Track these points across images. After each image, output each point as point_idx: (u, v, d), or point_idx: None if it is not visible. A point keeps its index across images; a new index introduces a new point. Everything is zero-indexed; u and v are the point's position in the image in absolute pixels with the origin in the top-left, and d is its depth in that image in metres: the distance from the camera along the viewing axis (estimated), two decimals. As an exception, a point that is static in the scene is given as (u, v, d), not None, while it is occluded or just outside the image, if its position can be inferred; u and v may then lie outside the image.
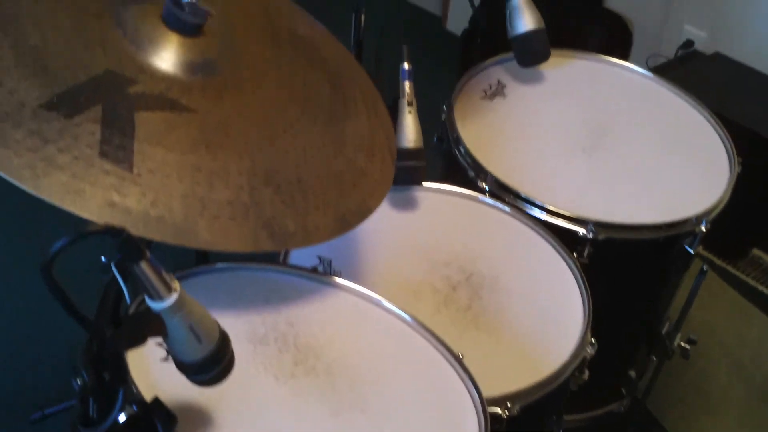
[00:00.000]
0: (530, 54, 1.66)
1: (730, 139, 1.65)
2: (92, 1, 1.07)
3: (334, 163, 1.12)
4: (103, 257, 0.85)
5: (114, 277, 0.79)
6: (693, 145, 1.65)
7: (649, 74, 1.79)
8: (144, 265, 0.74)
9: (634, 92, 1.75)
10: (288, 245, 1.14)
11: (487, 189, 1.48)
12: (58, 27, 1.02)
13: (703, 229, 1.48)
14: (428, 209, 1.44)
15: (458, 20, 3.20)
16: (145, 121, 0.98)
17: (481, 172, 1.50)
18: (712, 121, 1.69)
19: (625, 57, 2.78)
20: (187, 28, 1.05)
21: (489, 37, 1.87)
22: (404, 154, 1.38)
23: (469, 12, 2.64)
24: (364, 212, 1.11)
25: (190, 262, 1.23)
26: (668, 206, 1.49)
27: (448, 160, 1.60)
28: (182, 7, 1.04)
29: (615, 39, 2.77)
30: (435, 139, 1.65)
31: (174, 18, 1.04)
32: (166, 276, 0.76)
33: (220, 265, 1.15)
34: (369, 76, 1.35)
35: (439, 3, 3.36)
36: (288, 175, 1.06)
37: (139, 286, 0.77)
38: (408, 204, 1.44)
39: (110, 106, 0.96)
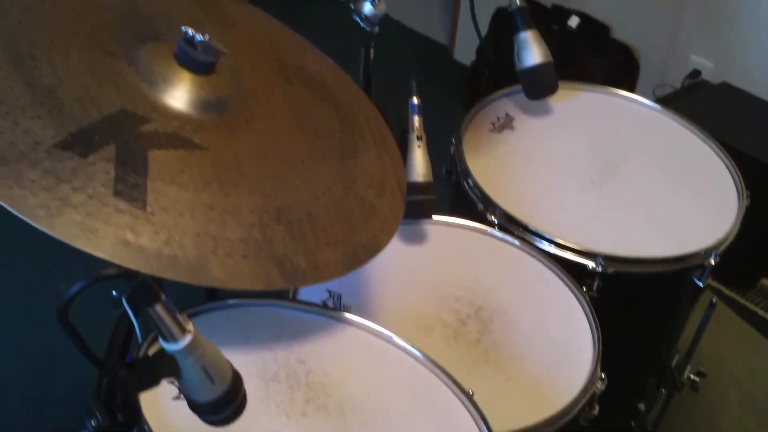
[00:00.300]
0: (538, 87, 1.67)
1: (738, 172, 1.65)
2: (106, 40, 1.08)
3: (344, 200, 1.13)
4: (114, 292, 0.86)
5: (125, 311, 0.80)
6: (701, 177, 1.65)
7: (657, 106, 1.80)
8: (159, 308, 0.75)
9: (641, 124, 1.76)
10: (299, 282, 1.15)
11: (496, 222, 1.49)
12: (73, 66, 1.03)
13: (713, 262, 1.48)
14: (437, 242, 1.45)
15: (465, 50, 3.22)
16: (159, 159, 0.98)
17: (490, 205, 1.50)
18: (720, 153, 1.70)
19: (632, 87, 2.80)
20: (199, 66, 1.06)
21: (496, 68, 1.88)
22: (414, 188, 1.39)
23: (476, 42, 2.67)
24: (374, 248, 1.11)
25: (198, 295, 1.23)
26: (677, 239, 1.50)
27: (457, 193, 1.61)
28: (195, 45, 1.04)
29: (622, 69, 2.78)
30: (443, 172, 1.66)
31: (187, 56, 1.05)
32: (180, 317, 0.76)
33: (231, 301, 1.15)
34: (378, 109, 1.36)
35: (447, 32, 3.38)
36: (299, 211, 1.06)
37: (151, 325, 0.78)
38: (417, 237, 1.45)
39: (124, 145, 0.97)
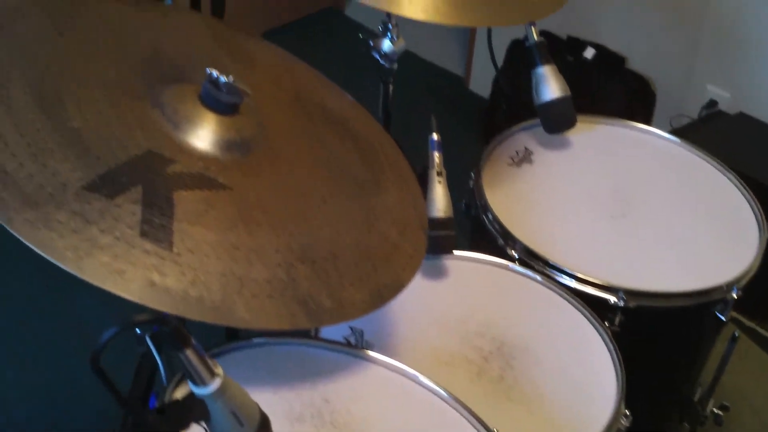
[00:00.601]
0: (557, 121, 1.68)
1: (759, 204, 1.65)
2: (131, 82, 1.10)
3: (367, 238, 1.13)
4: (138, 329, 0.86)
5: (149, 349, 0.80)
6: (721, 209, 1.65)
7: (675, 139, 1.80)
8: (189, 353, 0.75)
9: (660, 157, 1.76)
10: (324, 322, 1.15)
11: (517, 256, 1.49)
12: (99, 108, 1.04)
13: (735, 296, 1.48)
14: (458, 278, 1.45)
15: (481, 81, 3.23)
16: (184, 200, 0.99)
17: (510, 240, 1.51)
18: (739, 185, 1.70)
19: (648, 117, 2.80)
20: (224, 107, 1.07)
21: (513, 101, 1.89)
22: (434, 223, 1.40)
23: (491, 73, 2.68)
24: (397, 286, 1.11)
25: (218, 332, 1.23)
26: (698, 272, 1.49)
27: (477, 227, 1.61)
28: (219, 87, 1.06)
29: (638, 100, 2.79)
30: (463, 206, 1.66)
31: (211, 98, 1.06)
32: (210, 361, 0.77)
33: (256, 340, 1.16)
34: (397, 145, 1.37)
35: (463, 63, 3.40)
36: (323, 250, 1.07)
37: (181, 369, 0.78)
38: (438, 273, 1.45)
39: (150, 186, 0.98)
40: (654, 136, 1.82)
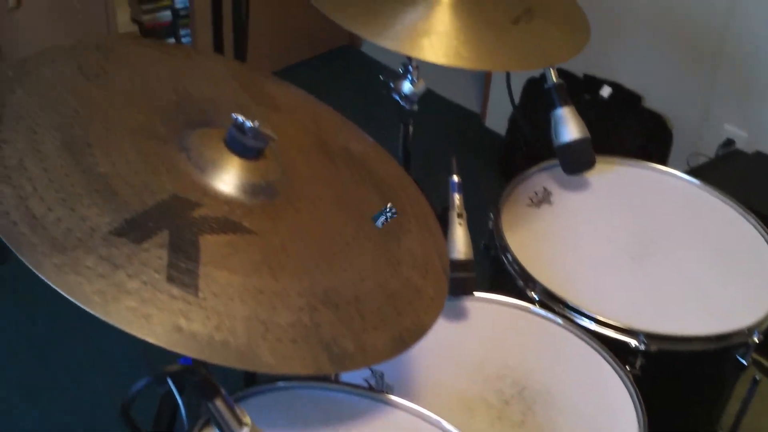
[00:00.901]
0: (576, 162, 1.68)
1: (779, 246, 1.65)
2: (158, 126, 1.11)
3: (390, 281, 1.14)
4: (159, 370, 0.86)
5: (170, 390, 0.80)
6: (741, 252, 1.65)
7: (695, 180, 1.80)
8: (219, 403, 0.76)
9: (679, 199, 1.76)
10: (348, 367, 1.15)
11: (537, 298, 1.49)
12: (126, 153, 1.05)
13: (756, 340, 1.47)
14: (479, 320, 1.45)
15: (497, 118, 3.25)
16: (210, 244, 1.00)
17: (530, 281, 1.51)
18: (759, 228, 1.69)
19: (664, 156, 2.80)
20: (249, 152, 1.08)
21: (530, 139, 1.90)
22: (455, 265, 1.40)
23: (507, 110, 2.68)
24: (420, 331, 1.12)
25: (234, 373, 1.23)
26: (719, 316, 1.49)
27: (496, 267, 1.61)
28: (245, 132, 1.07)
29: (655, 138, 2.79)
30: (482, 246, 1.66)
31: (237, 143, 1.07)
32: (238, 410, 0.77)
33: (281, 383, 1.16)
34: (418, 186, 1.37)
35: (479, 100, 3.42)
36: (346, 294, 1.07)
37: (210, 419, 0.78)
38: (458, 314, 1.45)
39: (176, 231, 0.99)
40: (673, 177, 1.82)
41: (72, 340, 2.29)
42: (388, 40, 1.37)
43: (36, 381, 2.21)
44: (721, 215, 1.74)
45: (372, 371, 1.29)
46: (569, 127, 1.66)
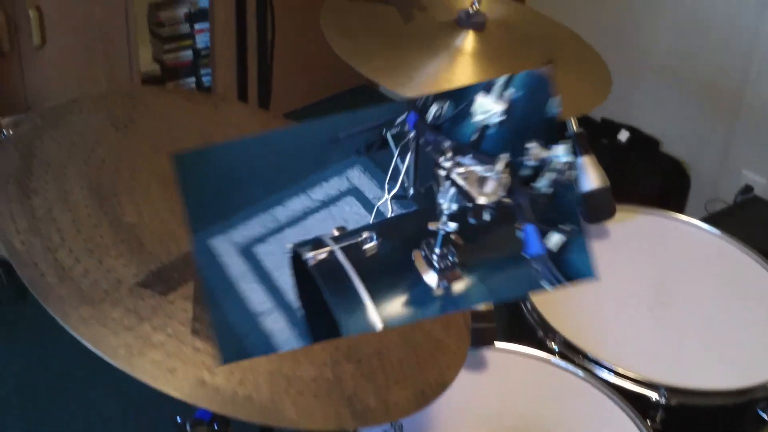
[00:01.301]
0: (596, 212, 1.68)
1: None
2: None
3: (412, 335, 1.13)
4: (178, 417, 0.86)
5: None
6: (762, 303, 1.64)
7: (716, 231, 1.79)
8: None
9: (700, 249, 1.76)
10: (369, 423, 1.14)
11: (557, 349, 1.48)
12: (153, 202, 1.06)
13: (778, 394, 1.46)
14: (499, 371, 1.44)
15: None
16: (234, 296, 1.00)
17: (550, 332, 1.50)
18: (780, 280, 1.69)
19: (682, 201, 2.80)
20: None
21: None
22: (475, 316, 1.39)
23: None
24: (442, 385, 1.11)
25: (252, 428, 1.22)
26: (741, 370, 1.48)
27: (515, 317, 1.60)
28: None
29: (672, 183, 2.79)
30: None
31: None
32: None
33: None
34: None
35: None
36: (368, 348, 1.07)
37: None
38: (478, 365, 1.44)
39: (201, 282, 0.99)
40: (694, 227, 1.81)
41: (90, 377, 2.28)
42: (411, 90, 1.38)
43: (52, 418, 2.20)
44: (742, 267, 1.73)
45: (392, 423, 1.28)
46: (590, 177, 1.65)
